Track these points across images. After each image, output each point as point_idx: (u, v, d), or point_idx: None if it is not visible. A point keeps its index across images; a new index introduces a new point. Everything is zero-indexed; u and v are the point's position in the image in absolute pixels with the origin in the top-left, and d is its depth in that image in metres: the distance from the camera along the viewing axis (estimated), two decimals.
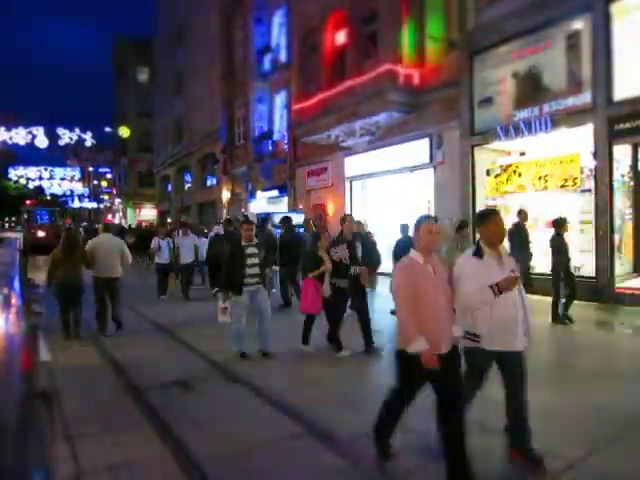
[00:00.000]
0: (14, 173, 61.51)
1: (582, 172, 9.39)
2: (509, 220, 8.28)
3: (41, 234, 24.50)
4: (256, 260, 5.72)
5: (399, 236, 9.05)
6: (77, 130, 29.35)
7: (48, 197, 57.77)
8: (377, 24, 13.39)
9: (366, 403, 4.07)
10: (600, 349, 6.12)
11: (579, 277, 8.69)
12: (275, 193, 19.85)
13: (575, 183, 9.42)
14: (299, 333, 6.02)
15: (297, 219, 12.15)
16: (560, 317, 7.36)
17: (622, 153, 9.28)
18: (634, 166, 9.56)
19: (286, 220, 9.76)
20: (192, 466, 3.13)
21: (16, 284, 2.25)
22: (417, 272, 2.90)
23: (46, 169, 66.59)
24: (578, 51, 9.25)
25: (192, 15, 27.83)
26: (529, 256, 8.50)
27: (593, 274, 9.04)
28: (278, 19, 19.27)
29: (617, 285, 8.84)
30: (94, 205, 62.93)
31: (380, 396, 3.24)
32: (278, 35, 19.32)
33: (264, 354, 5.74)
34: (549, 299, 7.54)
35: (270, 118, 20.26)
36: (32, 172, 65.24)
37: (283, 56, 18.88)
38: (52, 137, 27.60)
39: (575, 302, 7.58)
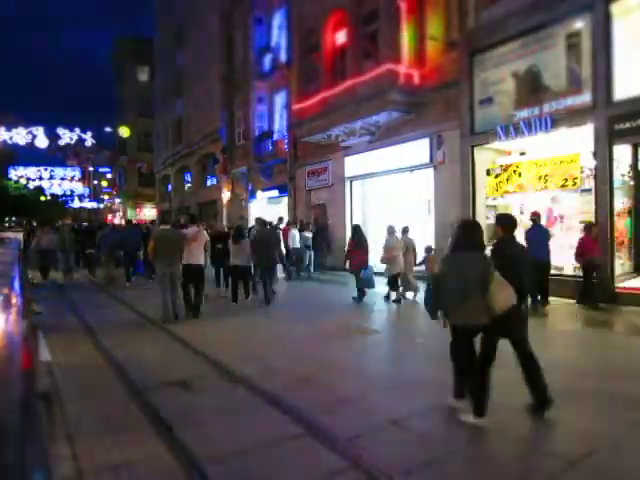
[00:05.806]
0: (14, 173, 61.44)
1: (582, 172, 9.38)
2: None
3: None
4: None
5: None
6: (77, 130, 29.34)
7: (48, 197, 57.74)
8: (377, 24, 13.39)
9: (367, 403, 4.08)
10: (600, 349, 6.12)
11: (579, 277, 8.71)
12: (275, 193, 19.85)
13: (575, 183, 9.41)
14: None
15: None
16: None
17: (622, 153, 9.28)
18: (634, 166, 9.55)
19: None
20: (192, 466, 3.13)
21: (16, 284, 2.25)
22: None
23: (46, 169, 66.53)
24: (578, 51, 9.24)
25: (192, 15, 27.81)
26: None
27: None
28: (278, 19, 19.26)
29: (617, 285, 8.83)
30: (94, 205, 62.96)
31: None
32: (278, 35, 19.30)
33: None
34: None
35: (270, 118, 20.24)
36: (32, 172, 65.15)
37: (283, 56, 18.87)
38: (52, 137, 27.57)
39: (575, 302, 7.56)
